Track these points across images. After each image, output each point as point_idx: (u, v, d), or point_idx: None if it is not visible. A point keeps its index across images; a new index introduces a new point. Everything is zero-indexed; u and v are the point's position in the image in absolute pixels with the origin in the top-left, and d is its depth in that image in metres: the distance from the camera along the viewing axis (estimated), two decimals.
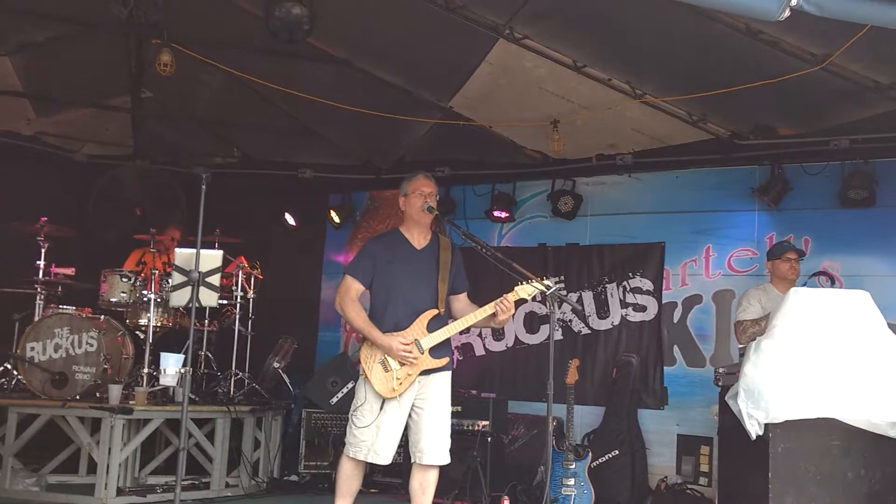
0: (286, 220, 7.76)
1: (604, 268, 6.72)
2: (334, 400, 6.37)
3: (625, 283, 6.60)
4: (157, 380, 5.46)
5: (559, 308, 6.38)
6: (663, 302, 6.44)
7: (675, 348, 6.36)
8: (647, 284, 6.52)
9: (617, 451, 6.01)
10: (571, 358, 5.89)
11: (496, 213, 7.02)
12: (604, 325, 6.65)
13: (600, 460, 5.93)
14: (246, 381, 6.29)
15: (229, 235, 6.50)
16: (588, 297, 6.72)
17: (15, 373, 5.76)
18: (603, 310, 6.67)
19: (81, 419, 5.57)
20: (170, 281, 6.01)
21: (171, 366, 4.94)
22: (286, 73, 6.23)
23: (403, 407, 4.10)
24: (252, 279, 6.57)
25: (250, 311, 6.55)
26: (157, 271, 5.93)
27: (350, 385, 6.23)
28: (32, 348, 5.62)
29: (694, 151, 6.27)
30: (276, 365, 6.64)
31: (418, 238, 4.27)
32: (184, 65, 5.80)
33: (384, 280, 4.17)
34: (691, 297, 6.36)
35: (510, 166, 7.06)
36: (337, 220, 7.66)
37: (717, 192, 6.37)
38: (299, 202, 7.82)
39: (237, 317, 6.41)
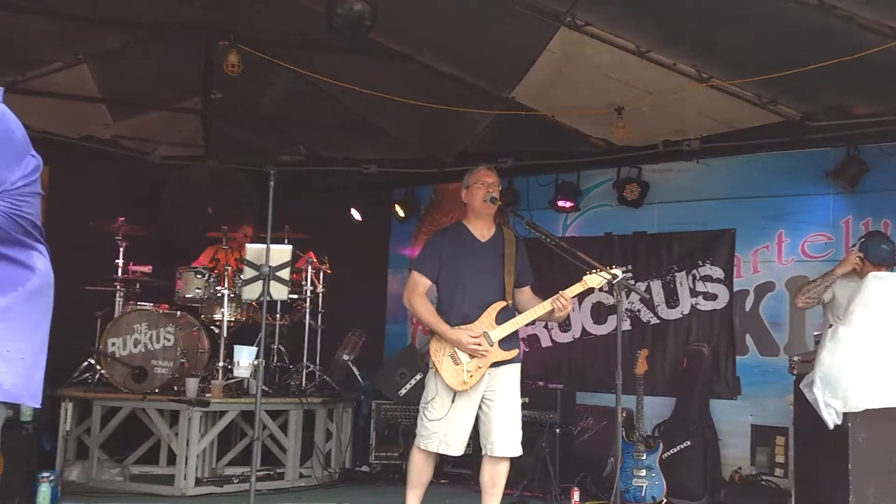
0: (352, 215, 7.86)
1: (672, 256, 6.61)
2: (403, 391, 6.44)
3: (694, 271, 6.49)
4: (232, 372, 5.61)
5: (627, 297, 6.37)
6: (734, 290, 6.30)
7: (748, 337, 6.23)
8: (718, 272, 6.39)
9: (689, 442, 5.91)
10: (640, 348, 5.82)
11: (560, 203, 6.97)
12: (673, 314, 6.54)
13: (672, 451, 5.84)
14: (317, 373, 6.42)
15: (298, 231, 6.62)
16: (657, 286, 6.62)
17: (98, 368, 5.99)
18: (672, 299, 6.56)
19: (161, 412, 5.77)
20: (242, 277, 6.19)
21: (245, 358, 5.07)
22: (349, 69, 6.31)
23: (474, 399, 4.12)
24: (321, 274, 6.69)
25: (320, 305, 6.67)
26: (229, 267, 6.09)
27: (418, 377, 6.30)
28: (113, 344, 5.83)
29: (764, 135, 6.10)
30: (345, 357, 6.74)
31: (482, 230, 4.27)
32: (250, 65, 5.93)
33: (450, 273, 4.19)
34: (763, 284, 6.21)
35: (574, 155, 7.00)
36: (401, 214, 7.73)
37: (789, 176, 6.19)
38: (364, 197, 7.91)
39: (307, 311, 6.53)
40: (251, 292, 4.10)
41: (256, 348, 4.79)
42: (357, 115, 7.16)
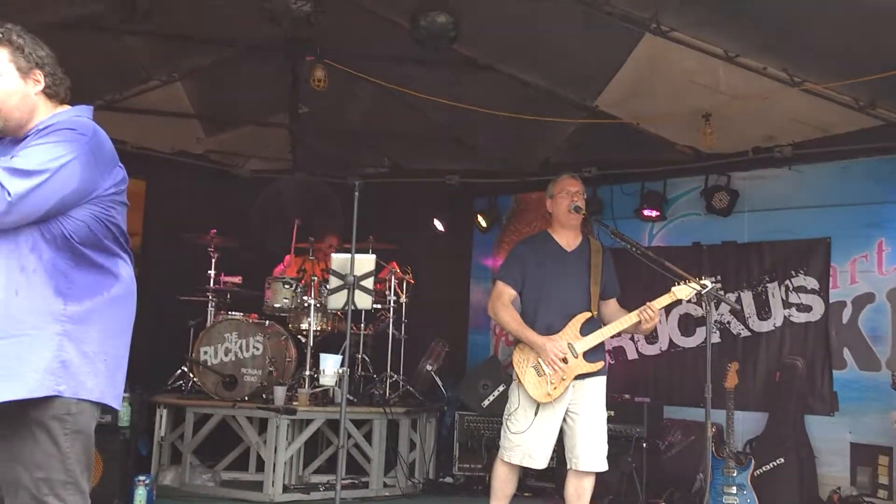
0: (435, 225, 7.91)
1: (764, 266, 6.39)
2: (486, 403, 6.42)
3: (787, 281, 6.25)
4: (318, 381, 5.70)
5: (716, 309, 6.21)
6: (830, 301, 6.03)
7: (846, 351, 5.95)
8: (812, 283, 6.14)
9: (782, 459, 5.69)
10: (730, 361, 5.64)
11: (646, 212, 6.84)
12: (765, 326, 6.32)
13: (764, 468, 5.64)
14: (401, 383, 6.47)
15: (382, 242, 6.71)
16: (747, 297, 6.41)
17: (191, 375, 6.19)
18: (764, 310, 6.34)
19: (250, 419, 5.91)
20: (328, 286, 6.31)
21: (330, 366, 5.16)
22: (432, 81, 6.37)
23: (558, 412, 4.07)
24: (404, 284, 6.75)
25: (403, 315, 6.73)
26: (316, 278, 6.20)
27: (501, 388, 6.27)
28: (205, 352, 6.02)
29: (862, 140, 5.83)
30: (428, 368, 6.78)
31: (567, 240, 4.23)
32: (336, 79, 6.05)
33: (535, 283, 4.16)
34: (862, 295, 5.93)
35: (660, 163, 6.86)
36: (483, 224, 7.73)
37: (890, 183, 5.90)
38: (447, 208, 7.95)
39: (391, 321, 6.59)
40: (336, 301, 4.16)
41: (341, 357, 4.86)
42: (440, 126, 7.21)
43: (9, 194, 2.27)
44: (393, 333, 6.58)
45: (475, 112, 6.29)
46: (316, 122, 7.58)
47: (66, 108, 2.58)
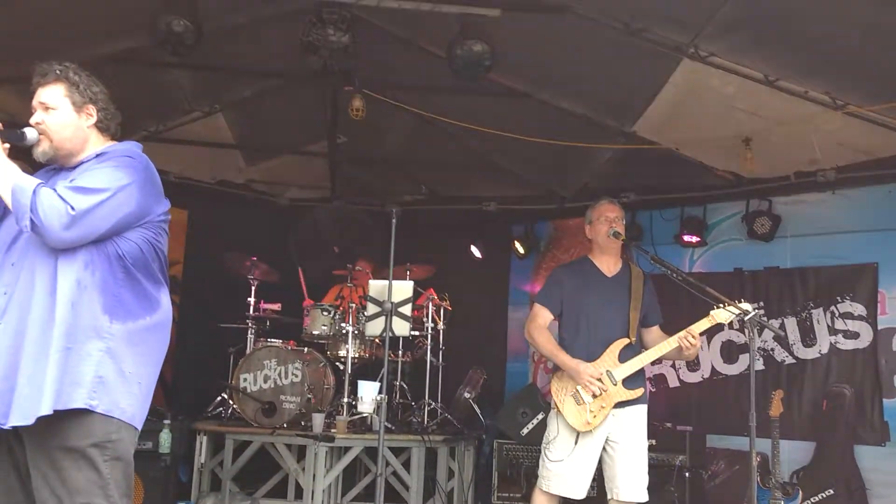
0: (472, 252, 7.91)
1: (808, 292, 6.26)
2: (524, 431, 6.35)
3: (833, 308, 6.11)
4: (356, 408, 5.69)
5: (759, 335, 6.10)
6: (879, 328, 5.88)
7: None
8: (859, 309, 6.00)
9: (832, 491, 5.53)
10: (775, 389, 5.52)
11: (686, 238, 6.77)
12: (810, 353, 6.18)
13: (813, 499, 5.48)
14: (439, 410, 6.44)
15: (419, 268, 6.72)
16: (791, 323, 6.28)
17: (231, 402, 6.22)
18: (809, 337, 6.20)
19: (288, 446, 5.92)
20: (366, 313, 6.32)
21: (369, 393, 5.16)
22: (468, 108, 6.40)
23: (597, 440, 4.01)
24: (442, 311, 6.74)
25: (441, 342, 6.72)
26: (353, 305, 6.23)
27: (540, 416, 6.20)
28: (245, 379, 6.06)
29: None
30: (466, 395, 6.74)
31: (608, 265, 4.19)
32: (373, 108, 6.11)
33: (573, 308, 4.13)
34: None
35: (699, 188, 6.80)
36: (521, 250, 7.71)
37: None
38: (484, 234, 7.95)
39: (428, 348, 6.58)
40: (374, 328, 4.17)
41: (379, 384, 4.86)
42: (477, 153, 7.24)
43: (72, 208, 2.41)
44: (431, 360, 6.56)
45: (512, 139, 6.30)
46: (353, 150, 7.66)
47: (115, 142, 2.71)
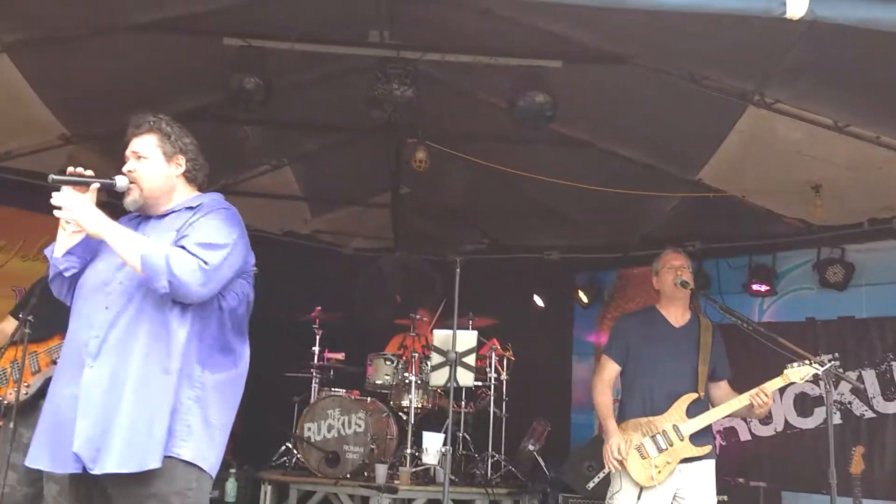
0: (535, 301, 7.86)
1: (886, 343, 6.02)
2: (591, 485, 6.19)
3: None
4: (420, 459, 5.66)
5: (836, 388, 5.86)
6: None
7: None
8: None
9: None
10: (854, 444, 5.29)
11: (755, 287, 6.61)
12: (891, 407, 5.91)
13: None
14: (502, 463, 6.35)
15: (482, 318, 6.70)
16: (869, 375, 6.04)
17: (295, 452, 6.25)
18: (889, 390, 5.94)
19: (352, 496, 5.90)
20: (429, 363, 6.32)
21: (433, 444, 5.12)
22: (529, 158, 6.44)
23: (664, 496, 3.88)
24: (505, 361, 6.70)
25: (504, 392, 6.65)
26: (416, 354, 6.24)
27: (607, 470, 6.04)
28: (309, 428, 6.10)
29: None
30: (530, 447, 6.64)
31: (675, 316, 4.11)
32: (435, 159, 6.20)
33: (638, 358, 4.06)
34: None
35: (768, 236, 6.65)
36: (585, 299, 7.64)
37: None
38: (547, 283, 7.91)
39: (492, 398, 6.52)
40: (438, 378, 4.16)
41: (444, 435, 4.82)
42: (538, 202, 7.25)
43: (205, 263, 2.51)
44: (494, 411, 6.50)
45: (574, 188, 6.29)
46: (416, 201, 7.76)
47: (201, 193, 2.79)
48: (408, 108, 5.13)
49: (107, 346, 2.49)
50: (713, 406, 3.96)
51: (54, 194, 2.55)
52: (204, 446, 2.54)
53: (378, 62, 5.26)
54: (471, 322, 6.52)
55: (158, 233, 2.67)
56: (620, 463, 3.92)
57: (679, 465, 3.87)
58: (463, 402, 6.56)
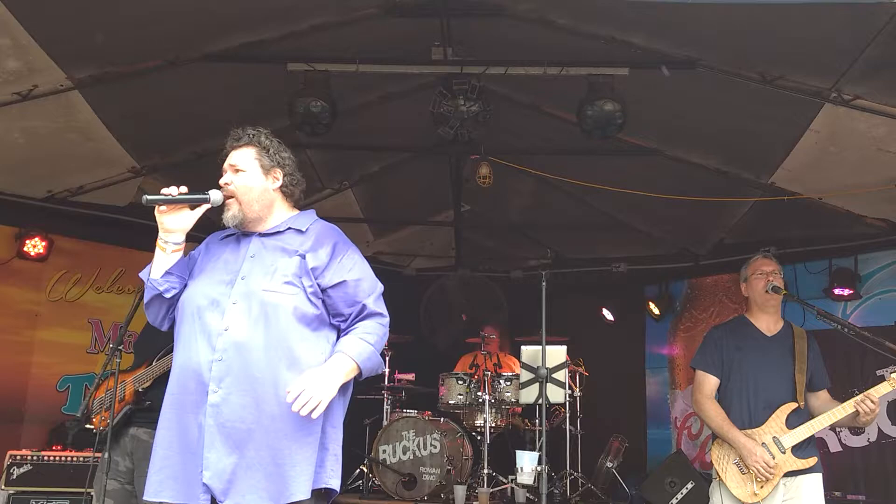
0: (603, 315, 7.72)
1: None
2: (673, 501, 6.02)
3: None
4: (499, 479, 5.54)
5: None
6: None
7: None
8: None
9: None
10: None
11: (837, 291, 6.37)
12: None
13: None
14: (580, 481, 6.21)
15: (551, 334, 6.56)
16: None
17: (370, 475, 6.20)
18: None
19: None
20: (501, 381, 6.23)
21: (528, 463, 5.03)
22: (593, 169, 6.34)
23: None
24: (577, 377, 6.57)
25: (578, 409, 6.52)
26: (489, 373, 6.15)
27: (690, 485, 5.88)
28: (384, 451, 6.04)
29: None
30: (608, 464, 6.48)
31: (767, 324, 3.94)
32: (497, 174, 6.13)
33: (731, 370, 3.89)
34: None
35: (848, 238, 6.40)
36: (656, 311, 7.47)
37: None
38: (615, 296, 7.76)
39: (566, 415, 6.39)
40: (528, 395, 4.07)
41: (539, 454, 4.71)
42: (603, 214, 7.13)
43: (384, 315, 2.66)
44: (569, 429, 6.37)
45: (642, 197, 6.17)
46: (477, 217, 7.71)
47: (297, 210, 2.75)
48: (474, 124, 5.09)
49: (233, 371, 2.41)
50: (814, 416, 3.78)
51: (164, 221, 2.58)
52: (337, 472, 2.54)
53: (441, 79, 5.24)
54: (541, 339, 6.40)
55: (268, 252, 2.61)
56: (719, 479, 3.76)
57: (783, 479, 3.70)
58: (538, 420, 6.44)
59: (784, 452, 3.70)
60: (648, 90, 5.28)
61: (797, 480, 3.73)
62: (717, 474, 3.82)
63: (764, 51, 4.68)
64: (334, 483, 2.52)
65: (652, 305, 7.48)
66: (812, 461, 3.74)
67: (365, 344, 2.55)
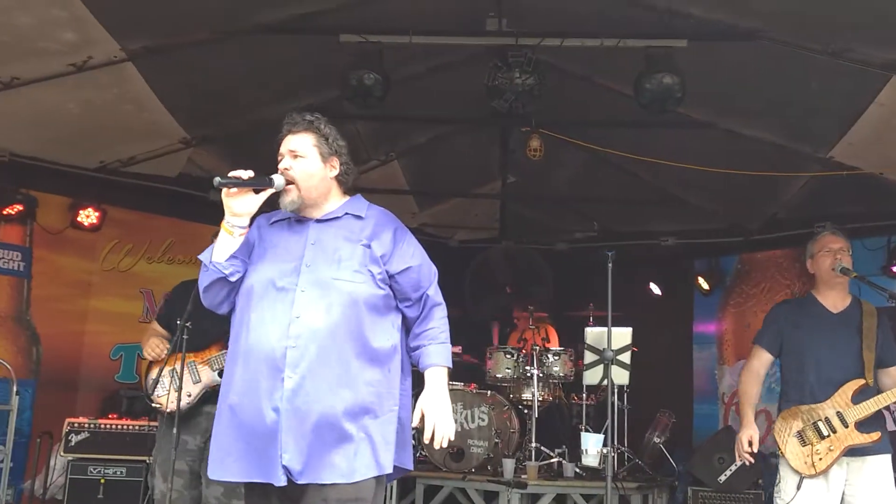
0: (651, 289, 7.64)
1: None
2: (723, 478, 5.98)
3: None
4: (580, 460, 5.50)
5: None
6: None
7: None
8: None
9: None
10: None
11: (895, 269, 6.23)
12: None
13: None
14: (627, 456, 6.19)
15: (600, 309, 6.53)
16: None
17: (418, 446, 6.23)
18: None
19: (478, 492, 5.85)
20: (549, 356, 6.21)
21: (593, 446, 5.03)
22: (647, 143, 6.23)
23: (832, 489, 3.67)
24: None
25: (626, 384, 6.47)
26: (537, 347, 6.13)
27: (739, 462, 5.81)
28: None
29: None
30: (656, 440, 6.45)
31: (833, 301, 3.87)
32: (545, 147, 6.05)
33: (795, 347, 3.84)
34: None
35: None
36: (705, 286, 7.38)
37: None
38: (664, 271, 7.67)
39: (615, 391, 6.35)
40: (592, 377, 4.05)
41: (603, 436, 4.70)
42: (653, 187, 7.03)
43: (440, 303, 2.81)
44: (617, 404, 6.33)
45: (693, 171, 6.06)
46: (523, 190, 7.64)
47: (348, 196, 2.74)
48: (528, 97, 5.01)
49: (307, 357, 2.45)
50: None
51: (230, 204, 2.57)
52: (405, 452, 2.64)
53: (496, 51, 5.16)
54: (591, 314, 6.37)
55: (329, 240, 2.62)
56: (780, 452, 3.74)
57: (846, 458, 3.66)
58: (584, 395, 6.42)
59: (847, 426, 3.66)
60: (706, 62, 5.15)
61: (864, 461, 3.67)
62: (779, 445, 3.78)
63: (830, 22, 4.54)
64: (407, 462, 2.63)
65: (701, 280, 7.38)
66: (875, 436, 3.68)
67: (445, 346, 2.78)
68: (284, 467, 2.37)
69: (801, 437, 3.70)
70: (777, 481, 3.79)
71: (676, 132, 6.07)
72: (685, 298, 7.61)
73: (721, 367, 7.36)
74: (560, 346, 6.50)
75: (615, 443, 6.13)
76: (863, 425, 3.66)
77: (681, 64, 4.86)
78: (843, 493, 3.68)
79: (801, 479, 3.67)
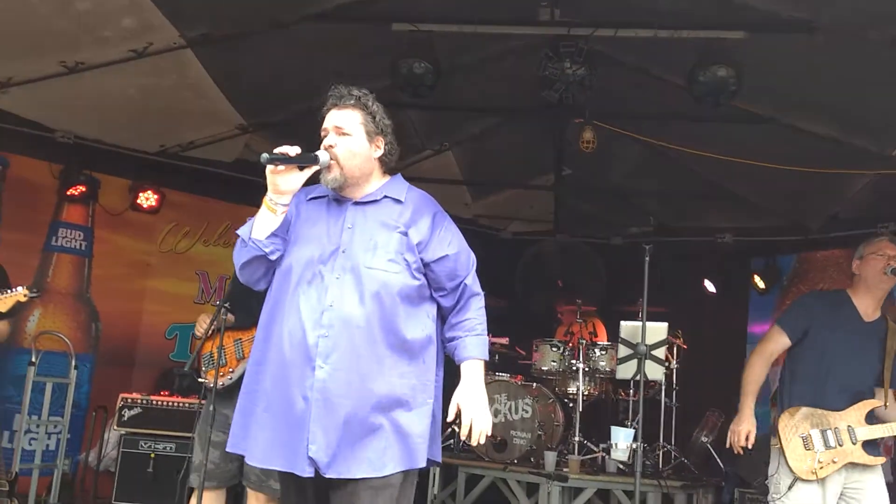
0: (705, 286, 7.49)
1: None
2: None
3: None
4: (609, 454, 5.48)
5: None
6: None
7: None
8: None
9: None
10: None
11: None
12: None
13: None
14: (673, 454, 6.10)
15: (650, 304, 6.43)
16: None
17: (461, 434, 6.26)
18: None
19: (519, 483, 5.85)
20: (596, 350, 6.16)
21: (622, 440, 4.99)
22: (704, 137, 6.10)
23: (827, 492, 3.57)
24: (675, 349, 6.42)
25: (674, 381, 6.38)
26: (584, 341, 6.08)
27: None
28: None
29: None
30: (703, 439, 6.34)
31: (867, 308, 3.73)
32: (600, 139, 5.99)
33: (817, 342, 3.70)
34: None
35: None
36: (761, 285, 7.20)
37: None
38: (719, 268, 7.50)
39: (662, 387, 6.27)
40: (626, 371, 4.00)
41: (633, 431, 4.66)
42: (710, 182, 6.88)
43: (478, 293, 2.68)
44: (664, 401, 6.24)
45: (750, 166, 5.90)
46: (578, 182, 7.55)
47: (388, 177, 2.71)
48: (580, 88, 4.96)
49: (340, 347, 2.40)
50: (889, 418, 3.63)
51: (276, 180, 2.49)
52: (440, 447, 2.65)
53: (548, 41, 5.12)
54: (639, 309, 6.27)
55: (367, 224, 2.55)
56: (781, 448, 3.65)
57: (846, 469, 3.59)
58: (631, 391, 6.35)
59: (855, 443, 3.57)
60: (764, 55, 5.02)
61: (863, 474, 3.61)
62: (780, 441, 3.69)
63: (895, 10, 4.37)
64: (436, 455, 2.61)
65: (757, 278, 7.20)
66: (879, 460, 3.62)
67: (482, 338, 2.65)
68: (311, 459, 2.34)
69: (806, 441, 3.61)
70: (771, 472, 3.70)
71: (734, 126, 5.92)
72: (741, 297, 7.44)
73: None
74: (608, 341, 6.44)
75: (660, 440, 6.05)
76: (868, 446, 3.59)
77: (737, 56, 4.76)
78: (843, 493, 3.62)
79: (795, 479, 3.59)
